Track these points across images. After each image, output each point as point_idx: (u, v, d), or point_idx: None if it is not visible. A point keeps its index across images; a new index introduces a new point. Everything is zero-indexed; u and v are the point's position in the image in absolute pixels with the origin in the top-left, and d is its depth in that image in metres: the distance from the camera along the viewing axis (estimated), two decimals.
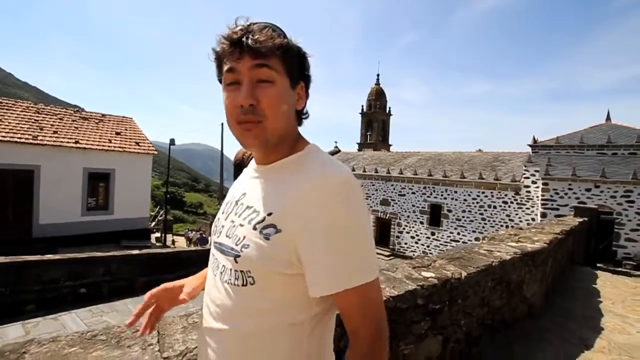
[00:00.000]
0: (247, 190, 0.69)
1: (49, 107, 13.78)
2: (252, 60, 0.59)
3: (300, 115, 0.70)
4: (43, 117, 12.68)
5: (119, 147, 13.30)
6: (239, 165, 0.94)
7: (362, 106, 33.94)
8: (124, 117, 15.96)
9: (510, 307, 2.70)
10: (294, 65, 0.64)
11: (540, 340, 2.63)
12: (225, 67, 0.62)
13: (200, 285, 0.81)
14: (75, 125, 13.22)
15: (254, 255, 0.59)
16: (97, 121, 14.35)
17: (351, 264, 0.57)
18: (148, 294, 0.79)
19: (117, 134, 14.10)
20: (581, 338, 2.66)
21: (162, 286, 0.81)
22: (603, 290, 3.80)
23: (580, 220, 5.97)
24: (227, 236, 0.66)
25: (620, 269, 7.35)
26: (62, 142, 11.82)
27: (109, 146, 12.98)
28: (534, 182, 14.82)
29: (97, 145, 12.71)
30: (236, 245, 0.63)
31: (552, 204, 13.44)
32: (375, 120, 32.56)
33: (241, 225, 0.64)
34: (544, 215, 13.30)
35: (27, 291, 6.50)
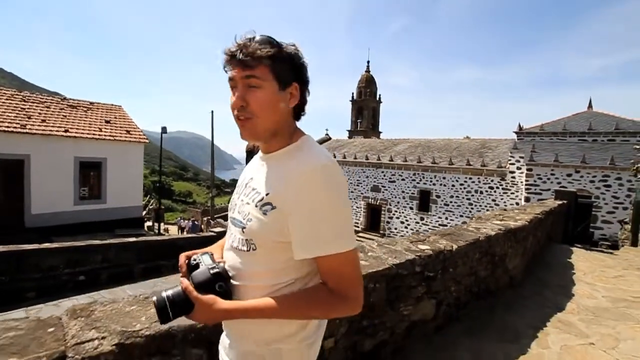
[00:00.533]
0: (254, 175, 0.84)
1: (34, 95, 13.46)
2: (242, 71, 0.73)
3: (297, 112, 0.83)
4: (30, 105, 12.41)
5: (110, 135, 13.17)
6: (250, 153, 1.01)
7: (353, 93, 33.95)
8: (112, 105, 15.70)
9: (494, 277, 3.04)
10: (284, 70, 0.76)
11: (519, 305, 2.99)
12: (228, 76, 0.77)
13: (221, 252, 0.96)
14: (64, 114, 12.99)
15: (255, 227, 0.75)
16: (85, 109, 14.10)
17: (326, 236, 0.71)
18: (184, 255, 0.91)
19: (107, 122, 13.92)
20: (555, 303, 3.03)
21: (192, 251, 0.95)
22: (577, 263, 4.22)
23: (560, 202, 6.41)
24: (238, 212, 0.83)
25: (595, 249, 7.88)
26: (51, 130, 11.64)
27: (99, 135, 12.84)
28: (518, 168, 15.39)
29: (88, 133, 12.55)
30: (244, 219, 0.79)
31: (536, 189, 14.05)
32: (366, 108, 32.69)
33: (247, 203, 0.80)
34: (527, 199, 13.91)
35: (26, 279, 6.61)
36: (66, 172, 11.98)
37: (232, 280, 0.82)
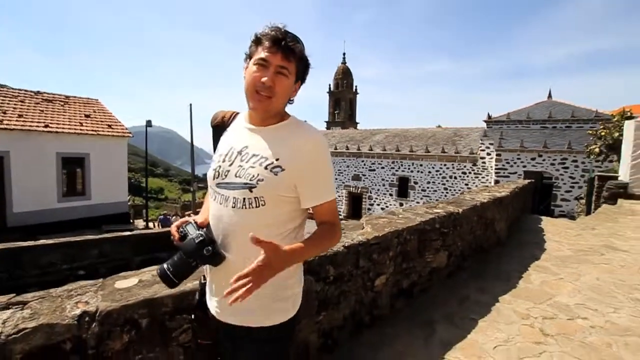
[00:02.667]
0: (249, 144, 0.97)
1: (5, 89, 12.85)
2: (281, 60, 0.88)
3: (288, 101, 1.00)
4: (2, 100, 11.89)
5: (92, 130, 12.88)
6: (217, 127, 1.11)
7: (330, 85, 34.43)
8: (89, 98, 15.22)
9: (486, 236, 3.77)
10: (301, 70, 0.95)
11: (506, 258, 3.75)
12: (261, 54, 0.89)
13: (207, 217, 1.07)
14: (40, 108, 12.53)
15: (267, 184, 0.89)
16: (62, 103, 13.63)
17: (326, 188, 0.95)
18: (174, 225, 1.05)
19: (87, 116, 13.56)
20: (533, 255, 3.82)
21: (180, 221, 1.09)
22: (545, 227, 5.12)
23: (529, 181, 7.38)
24: (237, 176, 0.94)
25: None
26: (30, 126, 11.28)
27: (81, 129, 12.54)
28: (488, 154, 16.72)
29: (69, 128, 12.23)
30: (250, 180, 0.91)
31: (504, 172, 15.41)
32: (343, 99, 33.34)
33: (252, 167, 0.92)
34: (497, 182, 15.21)
35: (26, 276, 6.71)
36: (48, 169, 11.67)
37: (236, 238, 0.94)
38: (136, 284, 1.53)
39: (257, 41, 0.91)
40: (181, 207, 28.82)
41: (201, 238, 0.90)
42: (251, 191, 0.90)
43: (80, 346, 1.23)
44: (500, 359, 1.97)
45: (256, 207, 0.91)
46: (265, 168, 0.90)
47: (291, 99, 0.99)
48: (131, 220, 19.21)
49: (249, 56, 0.94)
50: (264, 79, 0.88)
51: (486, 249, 3.76)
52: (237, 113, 1.09)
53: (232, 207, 0.93)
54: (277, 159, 0.90)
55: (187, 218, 1.09)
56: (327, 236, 0.97)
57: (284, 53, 0.88)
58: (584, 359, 1.96)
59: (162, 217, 20.31)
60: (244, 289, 0.75)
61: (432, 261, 2.84)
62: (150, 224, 23.56)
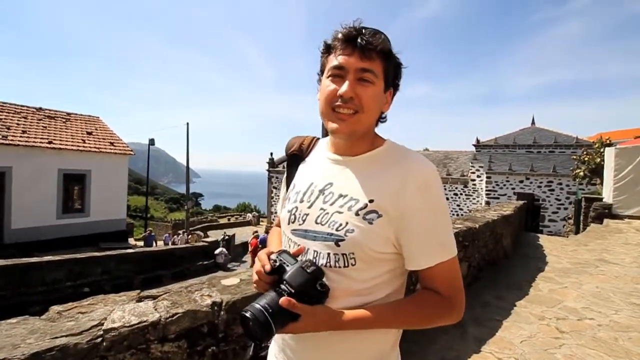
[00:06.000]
0: (334, 181, 0.75)
1: (9, 105, 12.95)
2: (361, 61, 0.67)
3: (380, 117, 0.76)
4: (6, 116, 11.98)
5: (95, 147, 13.01)
6: (295, 156, 0.91)
7: None
8: (90, 115, 15.41)
9: (496, 250, 4.17)
10: (390, 72, 0.72)
11: (513, 268, 4.16)
12: (334, 62, 0.69)
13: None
14: (44, 125, 12.65)
15: (359, 238, 0.67)
16: (64, 120, 13.78)
17: (442, 242, 0.68)
18: (264, 252, 0.77)
19: (89, 133, 13.71)
20: (537, 267, 4.25)
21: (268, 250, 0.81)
22: (544, 244, 5.61)
23: (522, 202, 7.94)
24: (318, 223, 0.72)
25: None
26: (34, 142, 11.36)
27: (83, 146, 12.66)
28: (479, 176, 17.50)
29: (72, 145, 12.34)
30: (337, 230, 0.69)
31: (494, 194, 16.13)
32: None
33: (339, 212, 0.70)
34: (487, 203, 15.88)
35: (31, 293, 6.74)
36: (49, 185, 11.67)
37: None
38: (239, 283, 1.83)
39: (327, 48, 0.73)
40: (172, 226, 28.49)
41: (314, 267, 0.67)
42: (338, 245, 0.69)
43: (213, 330, 1.53)
44: (528, 350, 2.32)
45: (344, 266, 0.69)
46: (357, 214, 0.69)
47: (383, 113, 0.77)
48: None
49: (321, 71, 0.76)
50: (342, 90, 0.68)
51: (496, 261, 4.16)
52: (317, 139, 0.90)
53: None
54: (370, 201, 0.69)
55: (270, 248, 0.84)
56: (430, 307, 0.70)
57: (363, 51, 0.68)
58: (597, 350, 2.33)
59: (147, 234, 19.24)
60: None
61: None
62: (160, 242, 22.96)
